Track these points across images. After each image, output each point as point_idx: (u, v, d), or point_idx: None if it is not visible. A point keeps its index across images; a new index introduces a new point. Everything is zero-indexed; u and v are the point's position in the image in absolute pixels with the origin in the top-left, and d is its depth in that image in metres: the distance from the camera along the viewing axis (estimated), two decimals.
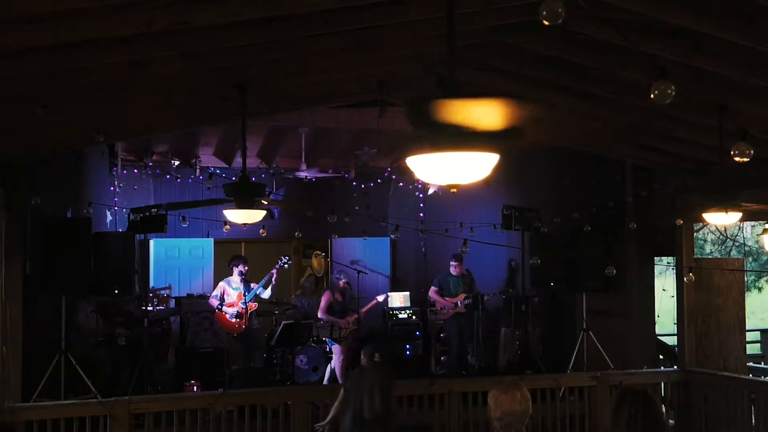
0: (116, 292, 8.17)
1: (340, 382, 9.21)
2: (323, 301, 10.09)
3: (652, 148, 8.13)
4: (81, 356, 7.97)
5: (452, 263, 10.32)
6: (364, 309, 10.40)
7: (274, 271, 9.93)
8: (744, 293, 9.35)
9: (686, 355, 8.57)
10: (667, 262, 10.58)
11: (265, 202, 6.52)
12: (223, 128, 10.45)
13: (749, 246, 18.92)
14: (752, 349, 13.24)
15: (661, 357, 10.13)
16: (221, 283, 9.82)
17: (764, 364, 13.24)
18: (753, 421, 7.72)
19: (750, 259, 19.58)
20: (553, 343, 10.35)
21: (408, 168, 2.96)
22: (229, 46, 4.71)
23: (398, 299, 11.47)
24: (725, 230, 17.22)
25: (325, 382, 9.53)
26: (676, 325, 8.94)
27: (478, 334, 10.35)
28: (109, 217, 10.16)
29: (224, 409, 7.16)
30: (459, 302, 10.28)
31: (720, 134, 5.91)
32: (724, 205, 6.42)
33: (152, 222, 8.12)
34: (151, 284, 10.63)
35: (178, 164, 11.22)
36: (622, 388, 3.76)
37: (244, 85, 5.74)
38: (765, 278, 23.00)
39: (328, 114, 10.24)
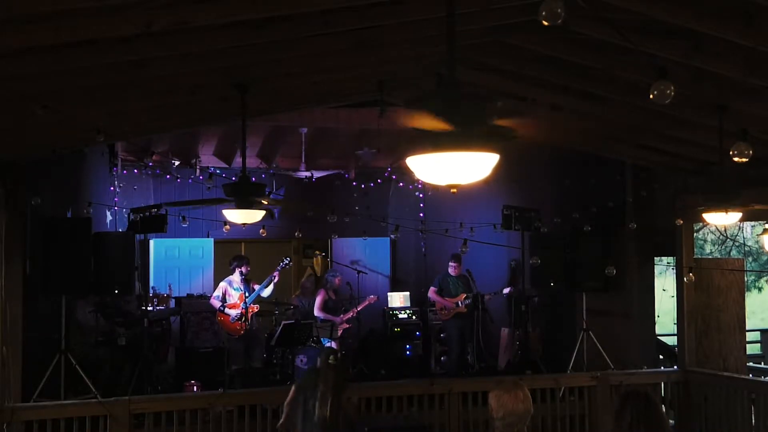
0: (116, 292, 8.19)
1: None
2: (318, 299, 10.16)
3: (652, 148, 8.13)
4: (81, 356, 7.97)
5: (451, 264, 10.34)
6: (358, 308, 10.40)
7: (276, 273, 9.97)
8: (744, 293, 9.34)
9: (686, 355, 8.57)
10: (667, 262, 10.57)
11: (265, 202, 6.52)
12: (223, 128, 10.45)
13: (749, 246, 18.92)
14: (752, 349, 13.25)
15: (661, 357, 10.13)
16: (222, 284, 9.81)
17: (764, 364, 13.24)
18: (753, 421, 7.72)
19: (750, 259, 19.59)
20: (553, 343, 10.35)
21: (408, 168, 2.96)
22: (229, 46, 4.71)
23: (398, 299, 11.47)
24: (725, 230, 17.23)
25: None
26: (676, 325, 8.94)
27: (478, 334, 10.35)
28: (109, 217, 10.16)
29: (224, 409, 7.15)
30: (459, 302, 10.28)
31: (720, 134, 5.91)
32: (724, 205, 6.42)
33: (152, 222, 8.13)
34: (151, 284, 10.63)
35: (178, 164, 11.21)
36: (625, 390, 3.76)
37: (244, 85, 5.74)
38: (765, 278, 23.01)
39: (328, 114, 10.25)
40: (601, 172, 9.61)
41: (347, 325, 10.20)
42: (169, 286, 10.64)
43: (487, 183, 3.44)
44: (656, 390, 8.26)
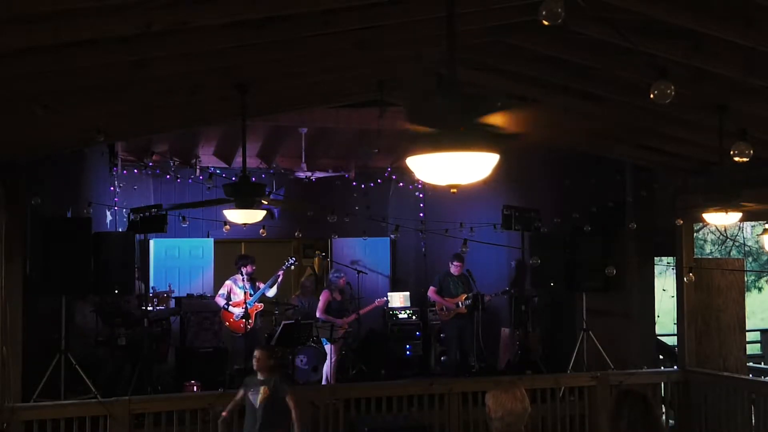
0: (116, 292, 8.18)
1: (331, 383, 9.25)
2: (321, 300, 10.09)
3: (652, 148, 8.13)
4: (81, 356, 7.97)
5: (454, 263, 10.29)
6: (364, 310, 10.38)
7: (280, 272, 10.02)
8: (744, 293, 9.35)
9: (686, 355, 8.57)
10: (667, 262, 10.57)
11: (265, 202, 6.52)
12: (223, 128, 10.45)
13: (749, 246, 18.92)
14: (752, 349, 13.24)
15: (661, 357, 10.13)
16: (228, 282, 9.89)
17: (764, 364, 13.24)
18: (753, 421, 7.72)
19: (750, 259, 19.58)
20: (553, 343, 10.35)
21: (408, 168, 2.96)
22: (229, 46, 4.71)
23: (398, 299, 11.47)
24: (725, 230, 17.23)
25: (323, 382, 9.54)
26: (676, 325, 8.94)
27: (478, 335, 10.34)
28: (109, 217, 10.16)
29: (224, 409, 7.15)
30: (460, 303, 10.27)
31: (720, 134, 5.92)
32: (724, 205, 6.42)
33: (152, 222, 8.13)
34: (151, 284, 10.63)
35: (178, 164, 11.21)
36: (620, 391, 3.75)
37: (244, 85, 5.74)
38: (765, 278, 23.00)
39: (328, 114, 10.24)
40: (601, 172, 9.61)
41: (349, 328, 10.15)
42: (169, 286, 10.64)
43: (487, 183, 3.44)
44: (656, 390, 8.27)
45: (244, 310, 9.67)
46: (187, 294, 10.70)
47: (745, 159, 5.59)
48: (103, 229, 9.35)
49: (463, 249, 8.02)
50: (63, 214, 8.39)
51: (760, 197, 6.83)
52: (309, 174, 11.55)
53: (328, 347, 9.70)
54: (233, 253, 11.67)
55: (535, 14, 3.38)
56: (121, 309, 9.11)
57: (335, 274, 10.32)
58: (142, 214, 8.13)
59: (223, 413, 6.41)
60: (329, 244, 12.10)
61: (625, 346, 9.25)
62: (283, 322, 9.29)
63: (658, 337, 10.37)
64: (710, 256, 18.03)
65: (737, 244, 18.00)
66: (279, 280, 10.00)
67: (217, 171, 10.88)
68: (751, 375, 9.47)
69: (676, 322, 8.88)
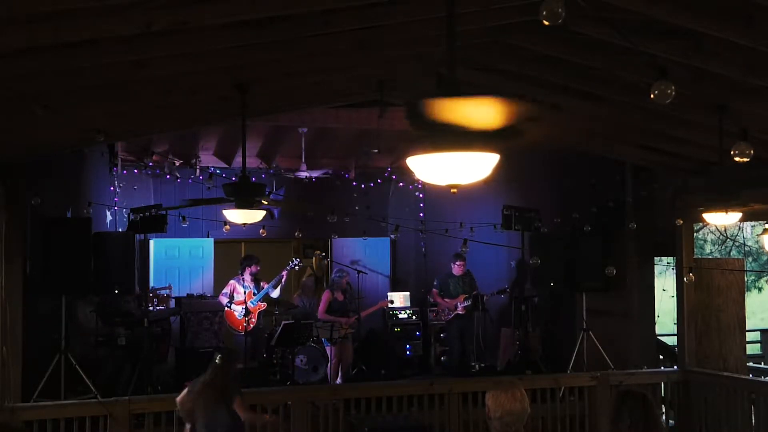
0: (116, 292, 8.19)
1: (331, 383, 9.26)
2: (322, 301, 10.08)
3: (652, 148, 8.13)
4: (81, 356, 7.97)
5: (457, 263, 10.26)
6: (366, 312, 10.35)
7: (284, 272, 10.08)
8: (744, 293, 9.35)
9: (686, 355, 8.57)
10: (667, 262, 10.57)
11: (265, 202, 6.52)
12: (223, 128, 10.44)
13: (749, 246, 18.91)
14: (752, 349, 13.24)
15: (661, 357, 10.13)
16: (232, 281, 9.98)
17: (764, 364, 13.23)
18: (753, 421, 7.71)
19: (750, 259, 19.57)
20: (553, 343, 10.35)
21: (408, 168, 2.96)
22: (229, 46, 4.71)
23: (398, 299, 11.47)
24: (725, 230, 17.22)
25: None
26: (676, 325, 8.94)
27: (478, 335, 10.34)
28: (109, 217, 10.15)
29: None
30: (459, 304, 10.26)
31: (720, 134, 5.92)
32: (724, 205, 6.42)
33: (152, 222, 8.13)
34: (151, 284, 10.62)
35: (178, 164, 11.21)
36: (620, 392, 3.74)
37: (244, 85, 5.74)
38: (765, 278, 22.99)
39: (328, 114, 10.23)
40: (601, 172, 9.61)
41: (350, 329, 10.11)
42: (169, 286, 10.64)
43: (487, 183, 3.43)
44: (656, 390, 8.27)
45: (244, 308, 9.73)
46: (187, 294, 10.70)
47: (745, 159, 5.59)
48: (103, 229, 9.34)
49: (463, 249, 8.02)
50: (63, 214, 8.39)
51: (760, 197, 6.83)
52: (309, 174, 11.55)
53: (329, 348, 9.70)
54: (233, 253, 11.68)
55: (535, 14, 3.39)
56: (121, 309, 9.11)
57: (337, 274, 10.31)
58: (142, 214, 8.13)
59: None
60: (329, 244, 12.09)
61: (625, 346, 9.25)
62: (283, 322, 9.30)
63: (658, 337, 10.37)
64: (710, 256, 18.03)
65: (737, 244, 18.00)
66: (283, 280, 10.04)
67: (217, 171, 10.87)
68: (751, 375, 9.47)
69: (676, 322, 8.88)
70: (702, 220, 7.61)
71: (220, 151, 11.33)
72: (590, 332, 8.79)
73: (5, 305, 6.64)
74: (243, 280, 9.94)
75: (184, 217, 8.83)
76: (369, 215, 10.23)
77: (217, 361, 5.69)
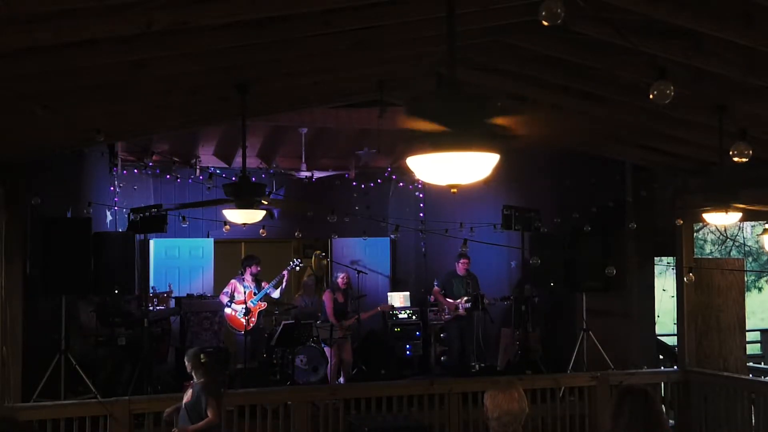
0: (116, 292, 8.18)
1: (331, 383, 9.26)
2: (327, 305, 10.04)
3: (652, 148, 8.13)
4: (81, 356, 7.97)
5: (461, 261, 10.24)
6: (366, 315, 10.34)
7: (285, 272, 10.09)
8: (744, 293, 9.35)
9: (686, 355, 8.57)
10: (667, 262, 10.58)
11: (265, 202, 6.52)
12: (223, 128, 10.44)
13: (749, 246, 18.91)
14: (752, 349, 13.24)
15: (661, 357, 10.13)
16: (233, 281, 10.01)
17: (764, 364, 13.23)
18: (753, 421, 7.72)
19: (750, 259, 19.57)
20: (553, 343, 10.35)
21: (408, 168, 2.96)
22: (229, 46, 4.71)
23: (398, 299, 11.46)
24: (725, 230, 17.22)
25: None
26: (676, 325, 8.94)
27: (478, 335, 10.34)
28: (109, 217, 10.15)
29: (224, 409, 7.15)
30: (460, 305, 10.26)
31: (720, 134, 5.92)
32: (724, 205, 6.42)
33: (152, 222, 8.12)
34: (151, 284, 10.62)
35: (178, 164, 11.20)
36: (622, 388, 3.74)
37: (244, 85, 5.74)
38: (765, 278, 22.99)
39: (328, 114, 10.23)
40: (601, 172, 9.61)
41: (348, 332, 10.10)
42: (169, 286, 10.64)
43: (487, 183, 3.44)
44: (656, 390, 8.26)
45: (245, 307, 9.75)
46: (187, 294, 10.70)
47: (744, 159, 5.59)
48: (103, 229, 9.34)
49: (463, 249, 8.01)
50: (63, 214, 8.38)
51: (760, 197, 6.83)
52: (309, 174, 11.54)
53: (327, 350, 9.69)
54: (233, 253, 11.68)
55: (535, 14, 3.38)
56: (121, 309, 9.11)
57: (336, 274, 10.33)
58: (142, 214, 8.13)
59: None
60: (329, 244, 12.09)
61: (625, 346, 9.25)
62: (283, 322, 9.29)
63: (658, 337, 10.37)
64: (710, 256, 18.03)
65: (737, 244, 18.00)
66: (284, 281, 10.05)
67: (217, 171, 10.87)
68: (751, 375, 9.47)
69: (676, 322, 8.88)
70: (702, 220, 7.61)
71: (220, 151, 11.33)
72: (590, 332, 8.79)
73: (5, 305, 6.65)
74: (244, 280, 9.97)
75: (184, 217, 8.83)
76: (369, 215, 10.22)
77: (201, 359, 6.07)
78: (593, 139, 8.45)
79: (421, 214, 12.04)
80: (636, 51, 4.75)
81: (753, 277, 22.05)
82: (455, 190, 3.00)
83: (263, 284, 9.98)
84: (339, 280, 10.20)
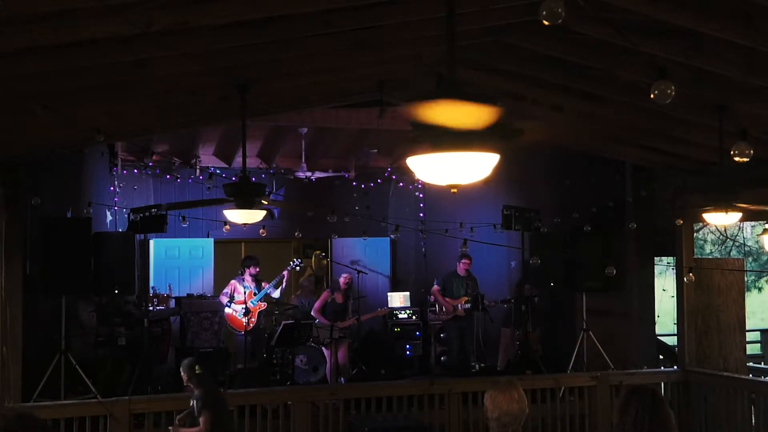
0: (116, 292, 8.18)
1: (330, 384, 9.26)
2: (319, 299, 10.08)
3: (652, 148, 8.13)
4: (81, 356, 7.97)
5: (463, 261, 10.24)
6: (365, 317, 10.33)
7: (285, 272, 10.10)
8: (744, 293, 9.35)
9: (686, 355, 8.57)
10: (667, 262, 10.57)
11: (265, 202, 6.51)
12: (223, 128, 10.44)
13: (749, 246, 18.91)
14: (752, 349, 13.24)
15: (661, 357, 10.13)
16: (233, 281, 10.03)
17: (764, 364, 13.24)
18: (753, 421, 7.71)
19: (750, 259, 19.57)
20: (553, 343, 10.35)
21: (408, 168, 2.96)
22: (229, 46, 4.71)
23: (398, 299, 11.46)
24: (725, 230, 17.22)
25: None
26: (676, 325, 8.94)
27: (478, 335, 10.34)
28: (109, 217, 10.15)
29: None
30: (459, 306, 10.25)
31: (720, 134, 5.92)
32: (724, 205, 6.42)
33: (152, 222, 8.13)
34: (151, 284, 10.63)
35: (178, 164, 11.20)
36: (630, 387, 3.73)
37: (244, 85, 5.74)
38: (765, 278, 22.98)
39: (328, 114, 10.23)
40: (601, 172, 9.61)
41: (342, 334, 10.07)
42: (169, 286, 10.64)
43: (487, 183, 3.44)
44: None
45: (245, 308, 9.76)
46: (187, 294, 10.70)
47: (745, 159, 5.59)
48: (103, 229, 9.34)
49: (463, 249, 8.00)
50: (63, 214, 8.39)
51: (760, 197, 6.83)
52: (309, 174, 11.54)
53: (325, 350, 9.69)
54: (233, 253, 11.68)
55: (535, 14, 3.38)
56: (121, 309, 9.11)
57: (340, 274, 10.34)
58: (142, 214, 8.13)
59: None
60: (329, 244, 12.09)
61: (625, 346, 9.25)
62: (283, 322, 9.29)
63: (658, 337, 10.36)
64: (710, 256, 18.02)
65: (737, 244, 17.99)
66: (284, 280, 10.05)
67: (217, 171, 10.86)
68: (751, 375, 9.46)
69: (676, 322, 8.88)
70: (702, 220, 7.61)
71: (220, 151, 11.33)
72: (590, 332, 8.79)
73: (5, 305, 6.65)
74: (244, 280, 9.98)
75: (184, 217, 8.82)
76: (369, 215, 10.22)
77: (197, 370, 6.26)
78: (593, 139, 8.45)
79: (421, 214, 12.04)
80: (636, 51, 4.75)
81: (753, 277, 22.04)
82: (455, 190, 3.00)
83: (263, 284, 10.00)
84: (341, 279, 10.20)
